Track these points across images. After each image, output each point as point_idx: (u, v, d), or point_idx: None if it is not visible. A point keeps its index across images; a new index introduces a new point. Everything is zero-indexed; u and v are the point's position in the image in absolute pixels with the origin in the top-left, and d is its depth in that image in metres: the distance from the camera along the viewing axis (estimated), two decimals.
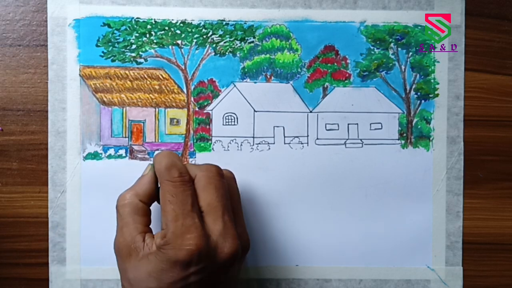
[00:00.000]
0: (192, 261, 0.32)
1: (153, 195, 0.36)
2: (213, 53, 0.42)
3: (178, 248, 0.32)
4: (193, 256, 0.32)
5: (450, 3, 0.42)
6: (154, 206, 0.37)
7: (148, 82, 0.42)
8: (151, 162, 0.36)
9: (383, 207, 0.43)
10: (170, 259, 0.32)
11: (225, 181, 0.36)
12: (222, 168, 0.36)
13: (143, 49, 0.42)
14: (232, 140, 0.42)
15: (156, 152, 0.38)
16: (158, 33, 0.42)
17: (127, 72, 0.42)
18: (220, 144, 0.42)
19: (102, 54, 0.42)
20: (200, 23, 0.42)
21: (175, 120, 0.42)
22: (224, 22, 0.42)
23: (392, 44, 0.42)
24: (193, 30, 0.42)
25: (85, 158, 0.41)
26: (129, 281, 0.33)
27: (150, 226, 0.36)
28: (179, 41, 0.42)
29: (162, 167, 0.35)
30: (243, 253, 0.36)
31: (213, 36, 0.42)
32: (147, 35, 0.42)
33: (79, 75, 0.41)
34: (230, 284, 0.35)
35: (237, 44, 0.42)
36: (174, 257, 0.32)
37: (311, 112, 0.43)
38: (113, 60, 0.42)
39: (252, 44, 0.42)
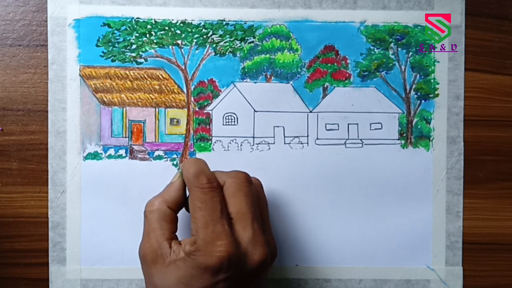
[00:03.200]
0: (222, 267, 0.32)
1: (181, 202, 0.36)
2: (213, 53, 0.42)
3: (209, 254, 0.32)
4: (223, 263, 0.32)
5: (450, 3, 0.42)
6: (181, 214, 0.37)
7: (148, 82, 0.42)
8: (180, 170, 0.37)
9: (383, 207, 0.43)
10: (201, 266, 0.32)
11: (253, 188, 0.36)
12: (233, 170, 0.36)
13: (143, 49, 0.42)
14: (232, 140, 0.42)
15: (185, 160, 0.38)
16: (158, 33, 0.42)
17: (127, 72, 0.42)
18: (220, 144, 0.42)
19: (102, 54, 0.42)
20: (200, 23, 0.42)
21: (175, 120, 0.42)
22: (224, 22, 0.42)
23: (392, 44, 0.42)
24: (193, 30, 0.42)
25: (85, 158, 0.41)
26: (155, 287, 0.33)
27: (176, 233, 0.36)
28: (179, 41, 0.42)
29: (190, 174, 0.35)
30: (271, 261, 0.36)
31: (213, 36, 0.42)
32: (147, 35, 0.42)
33: (79, 75, 0.41)
34: None
35: (237, 44, 0.42)
36: (205, 264, 0.32)
37: (311, 112, 0.43)
38: (113, 60, 0.42)
39: (252, 44, 0.42)
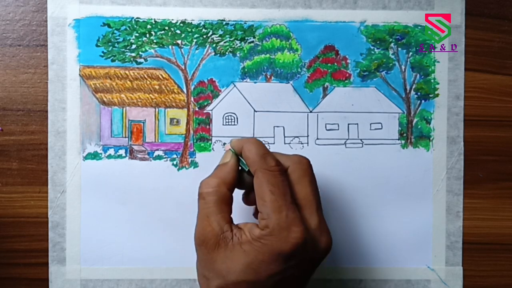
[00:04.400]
0: (296, 254, 0.31)
1: (236, 183, 0.35)
2: (213, 53, 0.42)
3: (284, 240, 0.31)
4: (297, 249, 0.31)
5: (450, 3, 0.42)
6: None
7: (148, 82, 0.42)
8: (230, 148, 0.35)
9: (383, 207, 0.42)
10: (273, 251, 0.31)
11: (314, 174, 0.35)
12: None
13: (143, 49, 0.42)
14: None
15: (232, 139, 0.36)
16: (158, 33, 0.42)
17: (127, 72, 0.42)
18: (220, 144, 0.42)
19: (102, 54, 0.42)
20: (200, 23, 0.42)
21: (175, 120, 0.42)
22: (224, 22, 0.42)
23: (392, 44, 0.42)
24: (193, 30, 0.42)
25: (85, 158, 0.41)
26: (217, 272, 0.32)
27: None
28: (179, 41, 0.42)
29: (254, 155, 0.33)
30: None
31: (213, 36, 0.42)
32: (147, 35, 0.42)
33: (79, 75, 0.41)
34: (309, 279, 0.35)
35: (237, 44, 0.42)
36: (278, 249, 0.31)
37: (311, 112, 0.43)
38: (113, 60, 0.42)
39: (252, 44, 0.42)
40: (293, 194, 0.34)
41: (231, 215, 0.34)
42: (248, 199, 0.37)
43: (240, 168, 0.35)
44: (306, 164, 0.34)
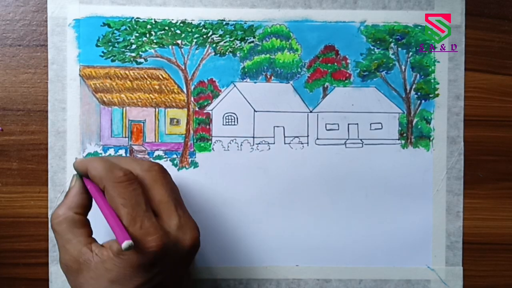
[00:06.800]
0: (157, 262, 0.32)
1: (87, 205, 0.35)
2: (213, 53, 0.42)
3: (141, 252, 0.31)
4: (157, 257, 0.31)
5: (450, 3, 0.42)
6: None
7: (148, 82, 0.42)
8: (74, 173, 0.35)
9: (383, 207, 0.42)
10: (133, 264, 0.31)
11: (169, 176, 0.35)
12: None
13: (143, 49, 0.42)
14: (232, 140, 0.42)
15: (75, 160, 0.35)
16: (158, 33, 0.42)
17: (127, 72, 0.42)
18: (220, 144, 0.42)
19: (102, 54, 0.42)
20: (200, 23, 0.42)
21: (175, 120, 0.42)
22: (224, 22, 0.42)
23: (392, 44, 0.42)
24: (193, 30, 0.42)
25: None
26: None
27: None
28: (179, 41, 0.42)
29: (101, 171, 0.33)
30: None
31: (213, 36, 0.42)
32: (147, 35, 0.42)
33: (79, 75, 0.41)
34: (189, 275, 0.35)
35: (237, 44, 0.42)
36: (138, 261, 0.31)
37: (311, 112, 0.43)
38: (113, 60, 0.42)
39: (252, 44, 0.42)
40: (150, 199, 0.33)
41: (92, 236, 0.34)
42: None
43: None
44: (155, 170, 0.34)
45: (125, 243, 0.30)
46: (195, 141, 0.42)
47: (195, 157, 0.42)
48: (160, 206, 0.34)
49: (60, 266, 0.33)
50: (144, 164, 0.35)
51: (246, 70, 0.42)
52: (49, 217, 0.41)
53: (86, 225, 0.34)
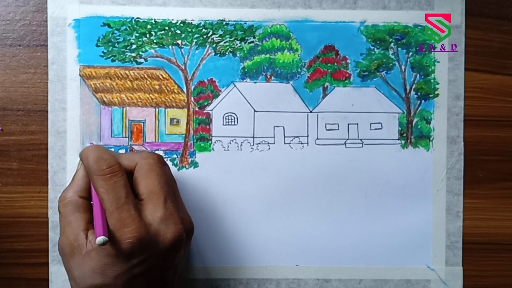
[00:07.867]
0: (134, 252, 0.32)
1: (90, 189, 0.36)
2: (213, 53, 0.42)
3: (118, 242, 0.32)
4: (134, 248, 0.32)
5: (450, 3, 0.42)
6: None
7: (148, 82, 0.42)
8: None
9: (383, 207, 0.42)
10: (112, 254, 0.32)
11: (167, 169, 0.36)
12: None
13: (143, 49, 0.42)
14: (232, 140, 0.42)
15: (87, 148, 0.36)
16: (158, 33, 0.42)
17: (127, 72, 0.42)
18: (220, 144, 0.42)
19: (102, 54, 0.42)
20: (200, 23, 0.42)
21: (175, 120, 0.42)
22: (224, 22, 0.42)
23: (392, 44, 0.42)
24: (193, 30, 0.42)
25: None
26: (74, 280, 0.33)
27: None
28: (179, 41, 0.42)
29: (90, 162, 0.34)
30: (188, 237, 0.36)
31: (213, 36, 0.42)
32: (147, 35, 0.42)
33: (79, 75, 0.41)
34: (176, 270, 0.35)
35: (237, 44, 0.42)
36: (116, 251, 0.32)
37: (311, 112, 0.43)
38: (113, 60, 0.42)
39: (252, 44, 0.42)
40: (138, 190, 0.34)
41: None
42: None
43: None
44: (154, 159, 0.35)
45: (99, 239, 0.31)
46: (195, 141, 0.42)
47: (195, 157, 0.42)
48: (150, 196, 0.34)
49: (58, 248, 0.35)
50: (144, 153, 0.36)
51: (246, 70, 0.42)
52: (49, 217, 0.41)
53: (89, 210, 0.35)
